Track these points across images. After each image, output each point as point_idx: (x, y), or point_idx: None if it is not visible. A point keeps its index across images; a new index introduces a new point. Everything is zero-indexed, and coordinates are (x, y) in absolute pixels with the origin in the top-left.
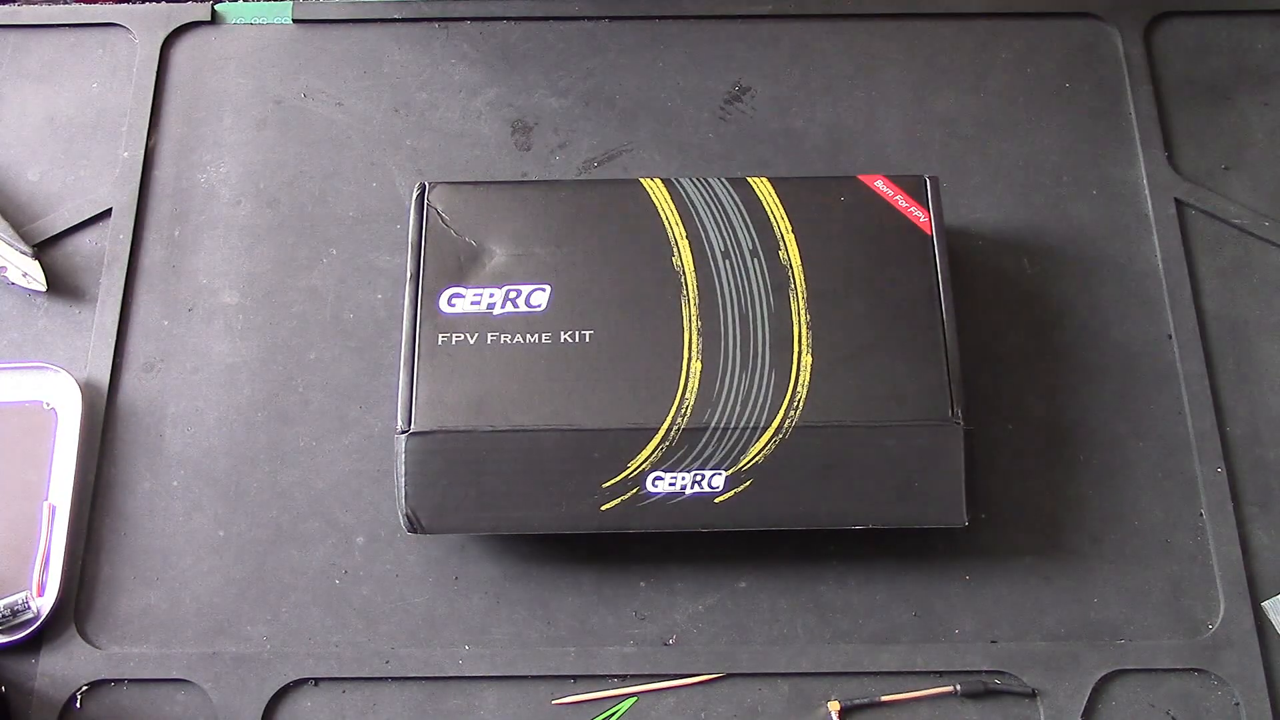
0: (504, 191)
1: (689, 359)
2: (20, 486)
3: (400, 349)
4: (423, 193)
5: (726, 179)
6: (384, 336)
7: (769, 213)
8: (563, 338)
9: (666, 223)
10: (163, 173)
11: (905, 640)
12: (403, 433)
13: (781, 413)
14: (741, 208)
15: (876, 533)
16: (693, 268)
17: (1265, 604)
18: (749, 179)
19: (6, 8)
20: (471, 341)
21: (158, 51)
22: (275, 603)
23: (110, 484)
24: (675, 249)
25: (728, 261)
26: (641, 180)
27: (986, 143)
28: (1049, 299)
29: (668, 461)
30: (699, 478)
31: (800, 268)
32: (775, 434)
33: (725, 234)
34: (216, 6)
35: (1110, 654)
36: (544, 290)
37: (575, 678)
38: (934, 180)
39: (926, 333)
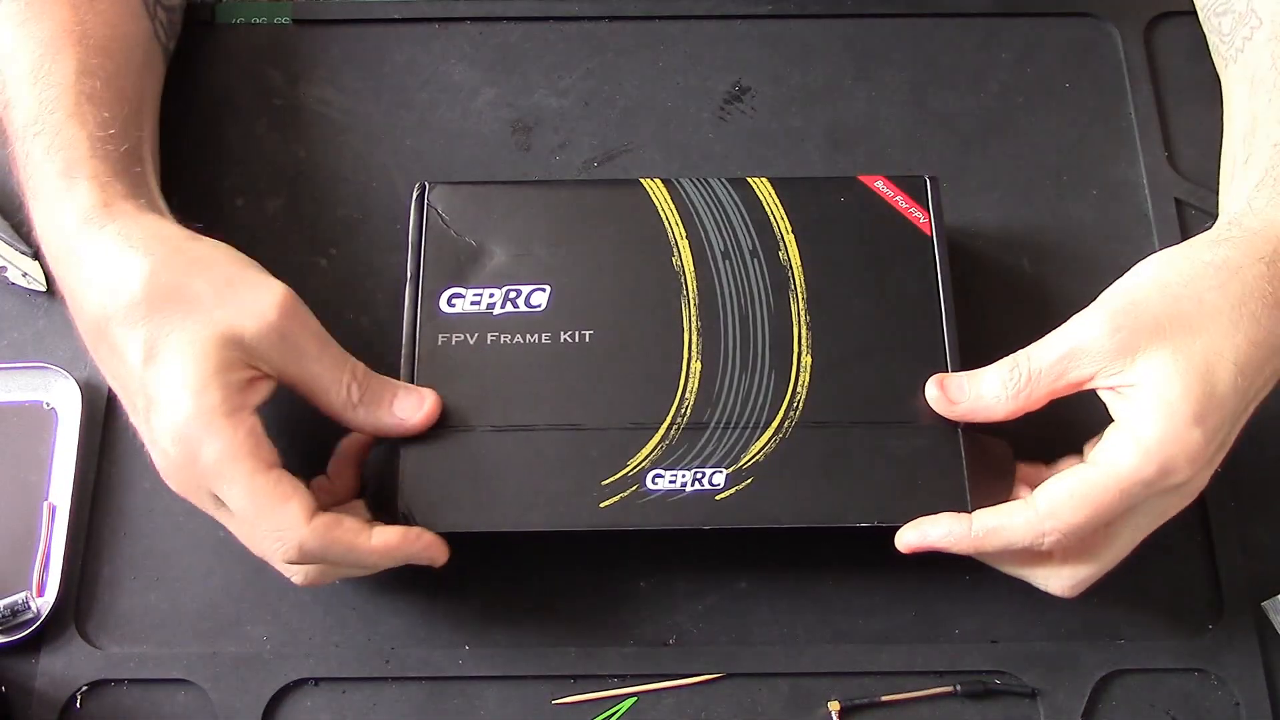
0: (504, 191)
1: (689, 359)
2: (20, 486)
3: (400, 349)
4: (422, 193)
5: (726, 179)
6: (384, 337)
7: (769, 213)
8: (562, 338)
9: (667, 223)
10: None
11: (905, 640)
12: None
13: (781, 413)
14: (741, 208)
15: (876, 533)
16: (693, 268)
17: (1265, 604)
18: (749, 179)
19: None
20: (471, 342)
21: None
22: (275, 603)
23: (110, 484)
24: (675, 249)
25: (728, 262)
26: (642, 180)
27: (986, 143)
28: (1049, 299)
29: (668, 459)
30: (699, 475)
31: (800, 268)
32: (775, 434)
33: (725, 234)
34: (216, 6)
35: (1110, 654)
36: (544, 290)
37: (575, 678)
38: (934, 180)
39: (926, 333)
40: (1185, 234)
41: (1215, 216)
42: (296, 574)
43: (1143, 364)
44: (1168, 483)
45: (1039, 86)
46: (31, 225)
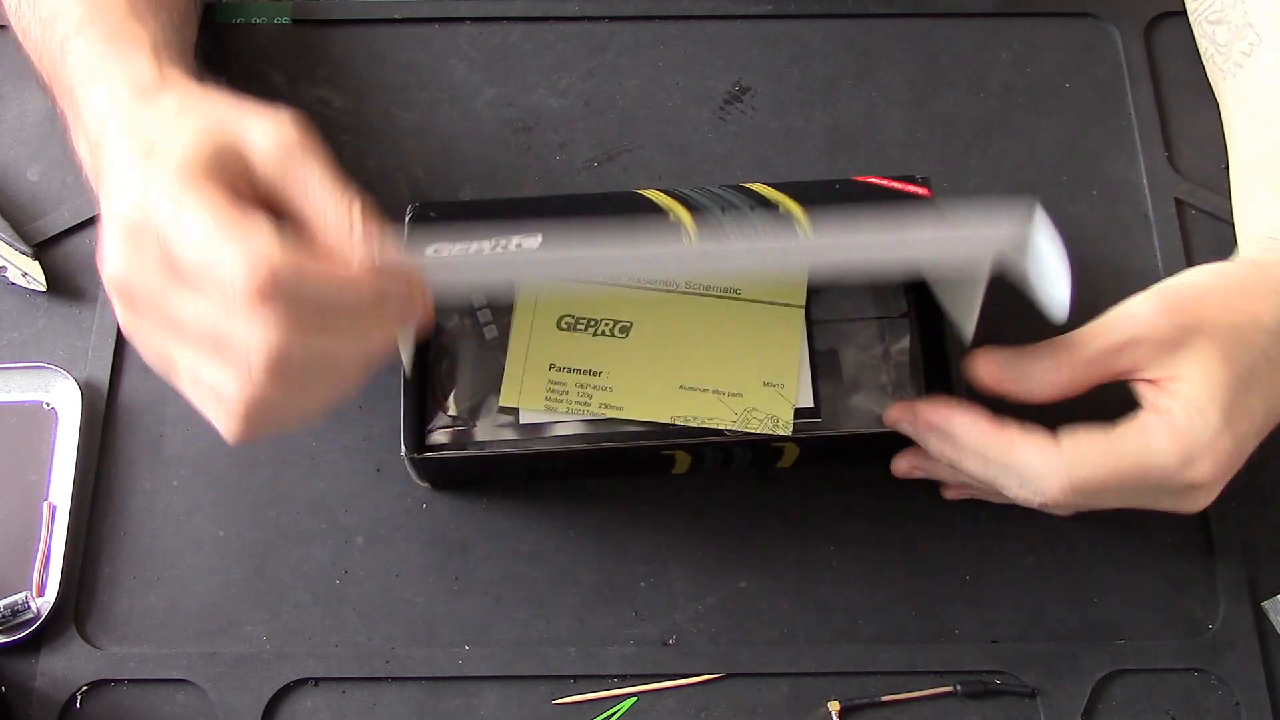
0: (497, 208)
1: None
2: (20, 486)
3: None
4: (414, 216)
5: (726, 185)
6: None
7: None
8: None
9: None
10: None
11: (905, 640)
12: (406, 454)
13: None
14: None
15: (876, 533)
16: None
17: (1265, 604)
18: (749, 185)
19: None
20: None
21: None
22: (275, 603)
23: (110, 484)
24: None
25: None
26: (639, 192)
27: (986, 143)
28: None
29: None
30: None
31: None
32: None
33: None
34: (216, 6)
35: (1110, 654)
36: None
37: (575, 678)
38: (926, 180)
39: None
40: (1185, 234)
41: (1216, 216)
42: (261, 357)
43: (1186, 360)
44: (1185, 478)
45: (1039, 86)
46: (73, 119)
